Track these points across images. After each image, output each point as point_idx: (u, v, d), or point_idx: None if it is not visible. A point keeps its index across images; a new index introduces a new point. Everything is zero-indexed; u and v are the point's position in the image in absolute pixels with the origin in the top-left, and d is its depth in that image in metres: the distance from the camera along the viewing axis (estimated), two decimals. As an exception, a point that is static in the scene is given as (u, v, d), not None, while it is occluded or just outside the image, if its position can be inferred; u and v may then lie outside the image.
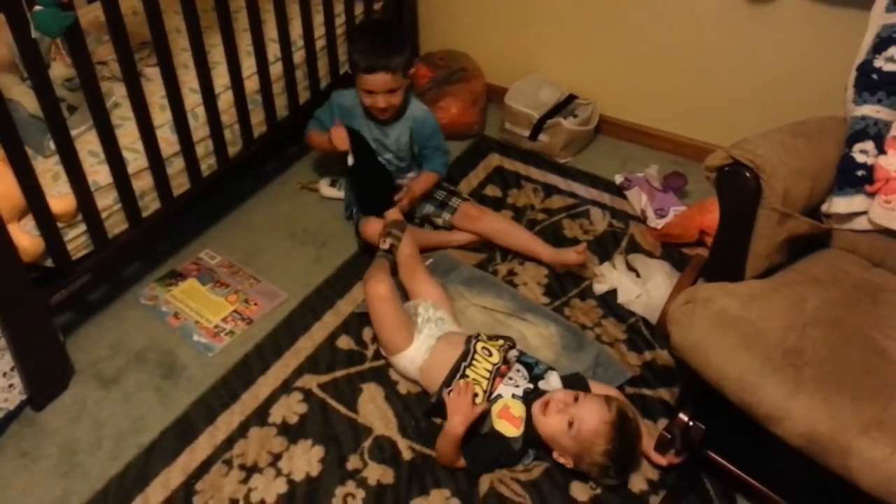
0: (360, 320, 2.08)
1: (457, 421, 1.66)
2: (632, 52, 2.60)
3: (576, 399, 1.67)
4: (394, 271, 2.10)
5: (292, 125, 2.43)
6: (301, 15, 2.33)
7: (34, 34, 1.59)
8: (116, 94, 2.00)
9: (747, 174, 1.44)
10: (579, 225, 2.41)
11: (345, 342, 2.04)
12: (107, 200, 1.89)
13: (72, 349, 1.99)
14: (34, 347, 1.82)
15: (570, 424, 1.63)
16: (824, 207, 1.62)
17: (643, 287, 2.13)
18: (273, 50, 2.27)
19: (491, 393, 1.75)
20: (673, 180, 2.43)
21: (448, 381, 1.77)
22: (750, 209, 1.46)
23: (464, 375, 1.77)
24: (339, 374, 1.96)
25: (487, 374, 1.77)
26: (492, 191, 2.56)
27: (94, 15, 2.24)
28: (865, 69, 1.58)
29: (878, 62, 1.58)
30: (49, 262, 1.81)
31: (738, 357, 1.35)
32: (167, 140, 2.00)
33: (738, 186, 1.46)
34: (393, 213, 2.18)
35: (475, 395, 1.74)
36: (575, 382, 1.77)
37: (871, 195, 1.56)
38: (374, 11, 2.67)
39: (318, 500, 1.69)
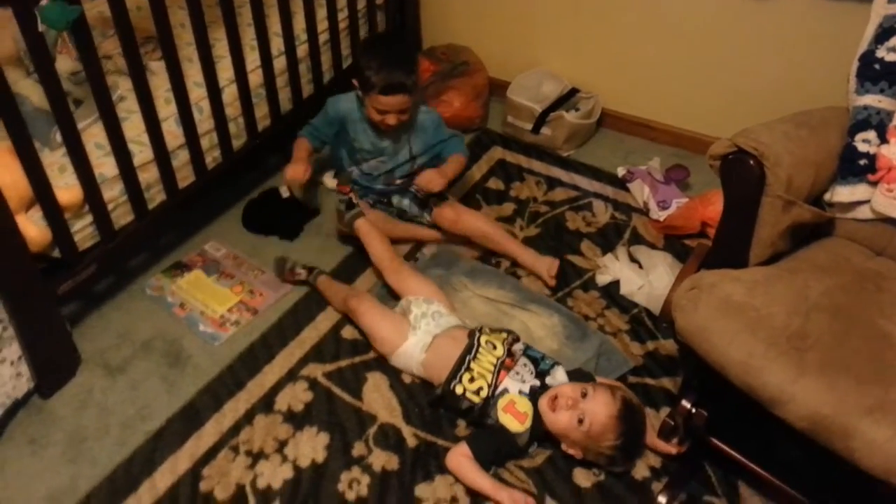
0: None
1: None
2: (634, 45, 2.61)
3: (584, 394, 1.67)
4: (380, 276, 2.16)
5: (296, 119, 2.45)
6: (304, 9, 2.34)
7: (41, 28, 1.60)
8: (122, 87, 2.01)
9: (751, 162, 1.45)
10: (582, 217, 2.43)
11: (349, 332, 2.05)
12: (113, 192, 1.91)
13: (79, 339, 2.00)
14: (42, 336, 1.84)
15: (581, 421, 1.64)
16: (827, 196, 1.63)
17: (646, 278, 2.15)
18: (276, 44, 2.29)
19: (496, 387, 1.76)
20: (675, 172, 2.44)
21: (454, 375, 1.79)
22: (754, 197, 1.47)
23: (468, 368, 1.78)
24: (344, 363, 1.97)
25: (492, 368, 1.78)
26: (495, 184, 2.58)
27: (98, 10, 2.25)
28: (867, 59, 1.59)
29: (881, 52, 1.59)
30: (56, 253, 1.83)
31: (743, 341, 1.36)
32: (172, 133, 2.02)
33: (742, 174, 1.47)
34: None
35: (480, 388, 1.76)
36: (581, 377, 1.79)
37: (874, 184, 1.57)
38: (376, 6, 2.69)
39: (324, 485, 1.70)
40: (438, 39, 2.97)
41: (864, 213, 1.61)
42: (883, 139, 1.56)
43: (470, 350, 1.81)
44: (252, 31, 2.19)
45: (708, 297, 1.42)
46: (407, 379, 1.93)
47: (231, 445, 1.79)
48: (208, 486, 1.70)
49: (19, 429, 1.84)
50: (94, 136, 1.87)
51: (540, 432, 1.72)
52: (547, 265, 2.17)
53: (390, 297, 2.12)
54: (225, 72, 2.14)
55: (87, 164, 1.80)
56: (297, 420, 1.84)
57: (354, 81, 2.11)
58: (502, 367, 1.79)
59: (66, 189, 1.79)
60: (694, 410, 1.51)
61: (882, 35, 1.59)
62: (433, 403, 1.85)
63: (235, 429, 1.82)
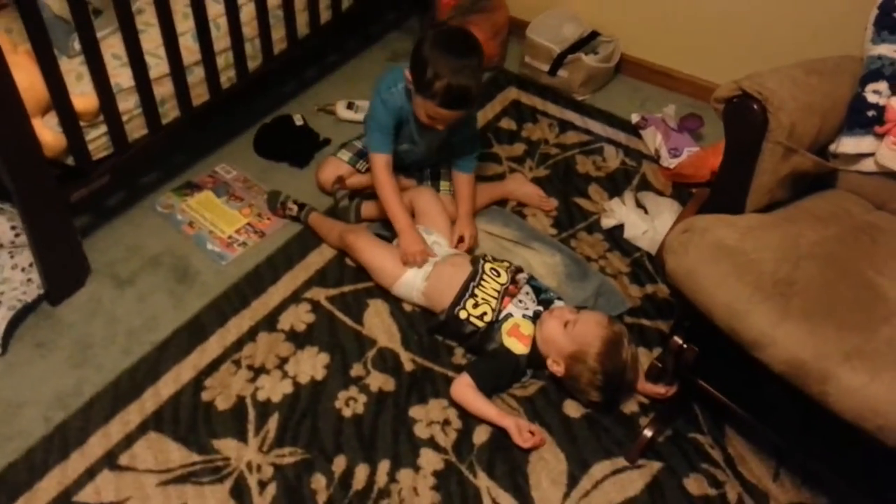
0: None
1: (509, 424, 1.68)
2: (657, -10, 2.57)
3: (578, 312, 1.74)
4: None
5: (312, 45, 2.44)
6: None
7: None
8: (141, 0, 2.02)
9: (755, 106, 1.44)
10: (592, 161, 2.43)
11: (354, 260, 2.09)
12: (128, 104, 1.93)
13: (89, 250, 2.04)
14: (53, 243, 1.88)
15: (567, 324, 1.70)
16: (832, 147, 1.63)
17: (651, 223, 2.16)
18: (298, -35, 2.27)
19: (500, 312, 1.80)
20: (689, 121, 2.43)
21: (458, 301, 1.82)
22: (755, 142, 1.47)
23: (472, 295, 1.82)
24: (347, 288, 2.01)
25: (496, 294, 1.82)
26: (507, 124, 2.58)
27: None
28: (887, 8, 1.57)
29: (901, 1, 1.57)
30: (70, 161, 1.86)
31: (730, 285, 1.38)
32: (189, 48, 2.02)
33: (744, 118, 1.46)
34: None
35: (484, 313, 1.79)
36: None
37: (880, 137, 1.57)
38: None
39: (322, 401, 1.76)
40: (460, -25, 2.93)
41: (867, 165, 1.61)
42: (894, 91, 1.55)
43: (474, 277, 1.85)
44: (273, -50, 2.17)
45: (700, 240, 1.43)
46: (407, 307, 1.97)
47: (234, 359, 1.84)
48: (210, 395, 1.76)
49: (28, 332, 1.89)
50: (111, 47, 1.88)
51: (536, 356, 1.76)
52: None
53: (385, 229, 2.12)
54: (244, -10, 2.13)
55: (104, 73, 1.81)
56: (298, 339, 1.88)
57: (408, 74, 1.88)
58: (506, 293, 1.83)
59: (82, 96, 1.80)
60: (685, 346, 1.53)
61: (904, -16, 1.57)
62: (434, 329, 1.89)
63: (238, 344, 1.87)
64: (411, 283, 1.92)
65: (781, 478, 1.66)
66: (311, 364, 1.83)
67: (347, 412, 1.74)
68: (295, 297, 1.99)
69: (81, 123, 1.82)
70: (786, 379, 1.32)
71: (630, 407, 1.76)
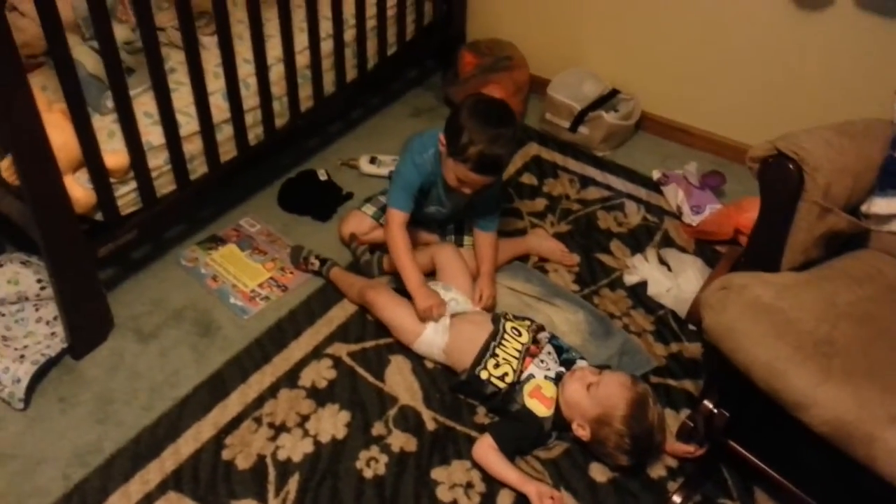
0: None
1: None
2: (678, 49, 2.60)
3: (600, 373, 1.72)
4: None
5: (338, 102, 2.48)
6: (354, -6, 2.37)
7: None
8: (172, 59, 2.06)
9: (791, 166, 1.45)
10: (613, 217, 2.43)
11: (376, 315, 2.08)
12: (158, 160, 1.96)
13: (113, 303, 2.04)
14: (79, 297, 1.89)
15: (590, 386, 1.68)
16: (864, 207, 1.62)
17: (674, 281, 2.15)
18: (325, 27, 2.32)
19: (521, 373, 1.78)
20: (711, 178, 2.43)
21: (479, 361, 1.81)
22: (791, 201, 1.47)
23: (493, 354, 1.80)
24: (369, 344, 2.00)
25: (517, 354, 1.80)
26: (528, 179, 2.59)
27: (154, -17, 2.31)
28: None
29: (928, 67, 1.58)
30: (99, 216, 1.88)
31: (770, 343, 1.37)
32: (219, 107, 2.06)
33: (781, 178, 1.46)
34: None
35: (505, 374, 1.78)
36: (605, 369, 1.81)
37: (912, 198, 1.56)
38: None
39: (343, 461, 1.73)
40: (483, 33, 2.99)
41: (900, 226, 1.60)
42: (925, 154, 1.55)
43: (495, 336, 1.83)
44: (303, 13, 2.22)
45: (737, 297, 1.42)
46: (429, 364, 1.95)
47: (254, 417, 1.82)
48: (230, 454, 1.74)
49: (51, 387, 1.89)
50: (143, 105, 1.92)
51: (560, 419, 1.73)
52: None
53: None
54: (273, 50, 2.17)
55: (136, 130, 1.85)
56: (319, 396, 1.87)
57: (442, 138, 1.92)
58: (527, 353, 1.81)
59: (113, 153, 1.83)
60: (716, 411, 1.51)
61: (931, 50, 1.58)
62: (456, 389, 1.87)
63: (259, 401, 1.86)
64: (431, 340, 1.90)
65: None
66: (333, 422, 1.81)
67: (368, 473, 1.71)
68: (316, 353, 1.98)
69: (112, 180, 1.85)
70: (829, 441, 1.30)
71: (658, 471, 1.72)
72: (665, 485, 1.70)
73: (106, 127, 1.87)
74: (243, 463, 1.72)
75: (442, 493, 1.68)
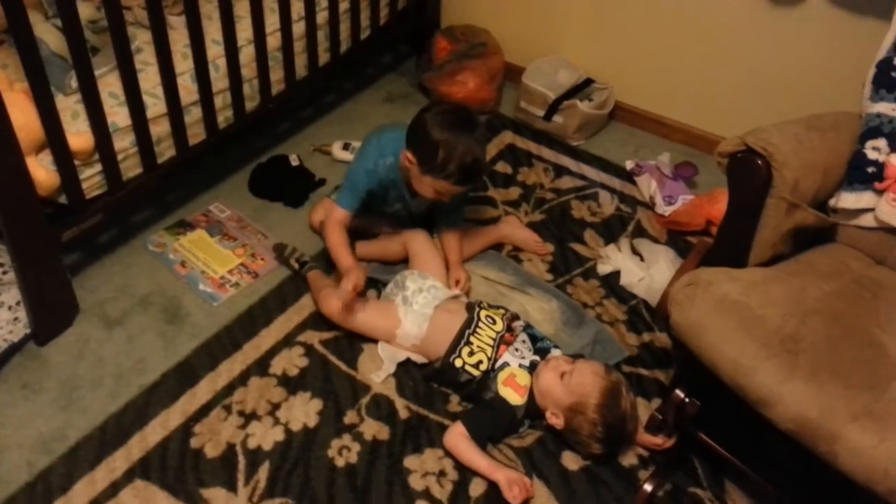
0: (368, 283, 2.04)
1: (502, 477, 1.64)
2: (653, 40, 2.61)
3: (574, 362, 1.73)
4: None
5: (310, 86, 2.44)
6: (327, -24, 2.33)
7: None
8: (139, 39, 2.01)
9: (759, 162, 1.45)
10: (587, 207, 2.43)
11: (348, 302, 2.06)
12: (123, 143, 1.91)
13: (78, 289, 2.00)
14: (42, 282, 1.84)
15: (563, 375, 1.68)
16: (832, 202, 1.63)
17: (647, 271, 2.16)
18: (297, 8, 2.28)
19: (496, 360, 1.78)
20: (684, 169, 2.44)
21: (453, 348, 1.80)
22: (759, 197, 1.47)
23: (468, 342, 1.80)
24: (341, 332, 1.98)
25: (492, 342, 1.80)
26: (502, 167, 2.58)
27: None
28: (885, 67, 1.59)
29: (899, 61, 1.59)
30: (63, 199, 1.83)
31: (736, 340, 1.37)
32: (187, 88, 2.01)
33: (749, 173, 1.47)
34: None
35: (480, 362, 1.77)
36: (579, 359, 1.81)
37: (880, 193, 1.57)
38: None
39: (314, 450, 1.72)
40: (458, 19, 2.96)
41: (867, 220, 1.61)
42: (893, 148, 1.56)
43: (469, 324, 1.83)
44: (274, -7, 2.18)
45: (704, 293, 1.43)
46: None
47: (224, 405, 1.80)
48: (199, 442, 1.72)
49: (14, 373, 1.85)
50: (108, 86, 1.87)
51: (533, 407, 1.73)
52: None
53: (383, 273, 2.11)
54: (244, 32, 2.13)
55: (101, 112, 1.80)
56: (291, 384, 1.85)
57: (409, 155, 1.87)
58: (502, 341, 1.80)
59: (78, 135, 1.78)
60: (687, 400, 1.52)
61: (902, 44, 1.60)
62: (430, 377, 1.86)
63: (229, 388, 1.83)
64: (408, 332, 1.88)
65: (782, 534, 1.63)
66: (304, 410, 1.79)
67: (340, 461, 1.70)
68: (288, 341, 1.95)
69: (76, 162, 1.80)
70: (792, 437, 1.31)
71: (629, 460, 1.74)
72: (636, 473, 1.71)
73: (70, 107, 1.81)
74: (212, 451, 1.70)
75: (414, 481, 1.67)
